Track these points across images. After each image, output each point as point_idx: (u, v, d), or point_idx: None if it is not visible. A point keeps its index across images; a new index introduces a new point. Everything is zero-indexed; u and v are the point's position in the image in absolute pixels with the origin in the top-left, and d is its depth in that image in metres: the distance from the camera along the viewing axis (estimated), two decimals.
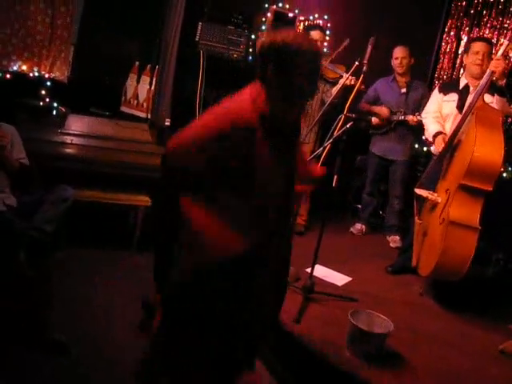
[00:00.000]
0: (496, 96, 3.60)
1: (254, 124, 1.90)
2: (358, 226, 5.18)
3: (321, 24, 5.63)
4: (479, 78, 3.60)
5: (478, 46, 3.76)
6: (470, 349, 3.17)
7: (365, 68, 3.39)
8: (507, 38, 3.53)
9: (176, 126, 4.55)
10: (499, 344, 3.25)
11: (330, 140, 3.33)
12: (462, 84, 3.92)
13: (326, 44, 4.68)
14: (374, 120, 4.83)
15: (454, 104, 3.86)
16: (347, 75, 3.86)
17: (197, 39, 4.66)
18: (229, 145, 1.88)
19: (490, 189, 3.35)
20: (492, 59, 3.50)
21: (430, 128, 3.98)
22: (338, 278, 3.87)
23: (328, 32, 5.21)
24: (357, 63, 3.49)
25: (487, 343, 3.28)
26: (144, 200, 4.33)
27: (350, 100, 3.39)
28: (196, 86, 4.27)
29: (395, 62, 4.75)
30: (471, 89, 3.76)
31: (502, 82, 3.51)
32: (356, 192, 5.70)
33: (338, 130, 3.30)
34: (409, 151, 4.83)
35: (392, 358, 2.88)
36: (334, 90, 4.36)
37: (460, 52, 5.90)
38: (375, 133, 4.94)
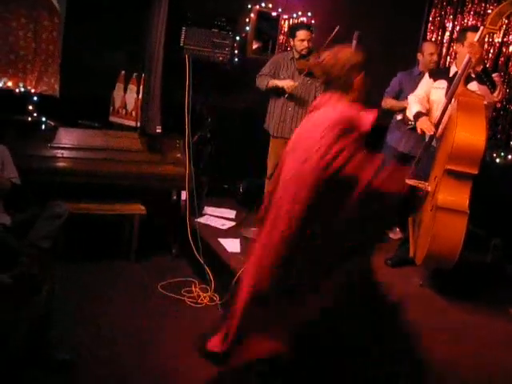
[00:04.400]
0: (478, 85, 3.59)
1: None
2: None
3: (305, 21, 5.63)
4: None
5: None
6: (474, 337, 3.17)
7: None
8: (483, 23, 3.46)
9: (167, 132, 4.56)
10: (502, 330, 3.26)
11: None
12: (452, 72, 3.87)
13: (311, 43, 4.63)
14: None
15: (443, 92, 3.83)
16: None
17: (181, 44, 4.65)
18: None
19: (476, 172, 3.34)
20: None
21: (412, 107, 3.90)
22: None
23: (313, 29, 5.19)
24: None
25: (490, 330, 3.28)
26: (139, 208, 4.33)
27: None
28: (184, 90, 4.26)
29: (430, 58, 4.55)
30: None
31: (479, 69, 3.47)
32: None
33: None
34: None
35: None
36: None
37: (445, 40, 5.92)
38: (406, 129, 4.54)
